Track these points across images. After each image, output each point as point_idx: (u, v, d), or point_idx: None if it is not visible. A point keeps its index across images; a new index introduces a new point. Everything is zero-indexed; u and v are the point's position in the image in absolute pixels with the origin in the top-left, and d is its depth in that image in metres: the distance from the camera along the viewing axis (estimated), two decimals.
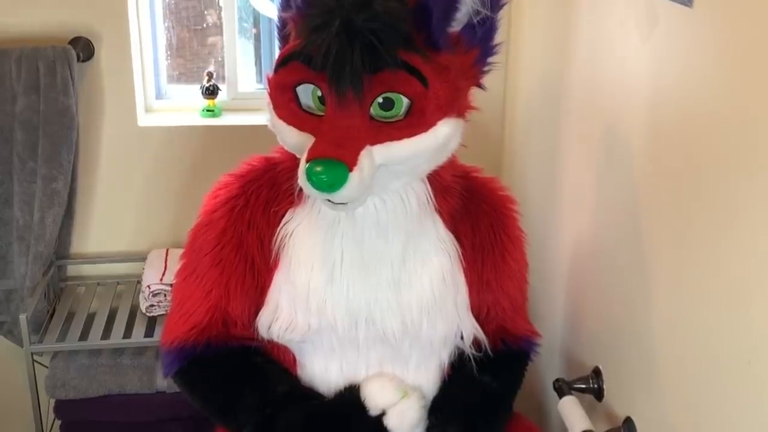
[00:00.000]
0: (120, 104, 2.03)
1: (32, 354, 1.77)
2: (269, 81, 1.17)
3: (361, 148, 1.10)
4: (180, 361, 1.30)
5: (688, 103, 1.06)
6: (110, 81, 2.01)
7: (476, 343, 1.37)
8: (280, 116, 1.17)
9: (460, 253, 1.32)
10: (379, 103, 1.10)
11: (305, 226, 1.26)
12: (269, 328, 1.28)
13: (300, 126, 1.15)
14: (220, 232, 1.29)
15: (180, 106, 2.20)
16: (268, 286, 1.28)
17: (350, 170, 1.07)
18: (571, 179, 1.56)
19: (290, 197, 1.27)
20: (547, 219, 1.67)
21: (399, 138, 1.12)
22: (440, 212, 1.29)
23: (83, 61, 1.94)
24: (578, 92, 1.52)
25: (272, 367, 1.32)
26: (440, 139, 1.15)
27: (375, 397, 1.25)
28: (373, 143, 1.11)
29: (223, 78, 2.23)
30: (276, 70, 1.15)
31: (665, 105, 1.13)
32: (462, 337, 1.35)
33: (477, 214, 1.36)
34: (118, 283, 2.08)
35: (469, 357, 1.36)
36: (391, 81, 1.08)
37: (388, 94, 1.09)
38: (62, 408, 1.87)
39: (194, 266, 1.31)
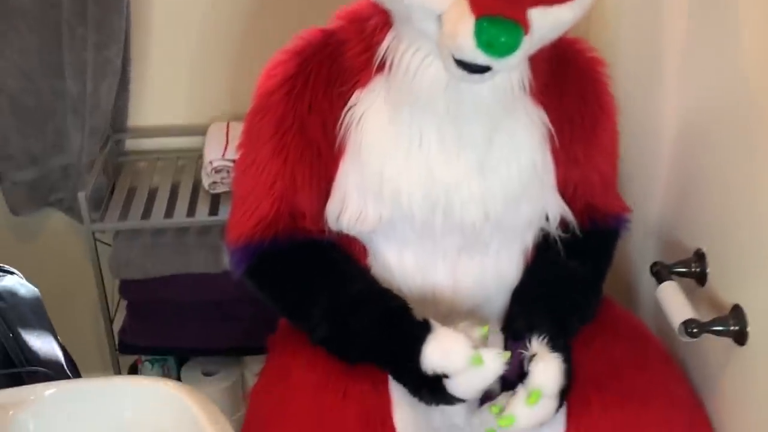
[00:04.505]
0: None
1: (93, 233, 1.78)
2: None
3: (527, 7, 1.02)
4: (247, 260, 1.28)
5: None
6: None
7: (563, 224, 1.32)
8: None
9: (551, 130, 1.25)
10: None
11: (376, 108, 1.19)
12: (337, 219, 1.24)
13: None
14: (279, 117, 1.23)
15: None
16: (335, 174, 1.24)
17: (525, 33, 1.00)
18: (677, 43, 1.44)
19: (355, 75, 1.20)
20: (644, 86, 1.56)
21: (561, 2, 1.04)
22: (531, 86, 1.21)
23: None
24: None
25: (345, 263, 1.29)
26: (586, 8, 1.08)
27: (435, 364, 1.17)
28: (533, 4, 1.03)
29: None
30: None
31: None
32: (548, 219, 1.30)
33: (564, 81, 1.29)
34: (179, 158, 2.05)
35: (555, 240, 1.32)
36: None
37: None
38: (127, 288, 1.89)
39: (254, 156, 1.26)
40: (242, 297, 1.83)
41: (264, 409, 1.28)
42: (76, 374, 1.24)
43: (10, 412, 0.97)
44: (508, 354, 1.18)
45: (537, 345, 1.22)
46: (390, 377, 1.24)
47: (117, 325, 1.95)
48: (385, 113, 1.19)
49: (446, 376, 1.17)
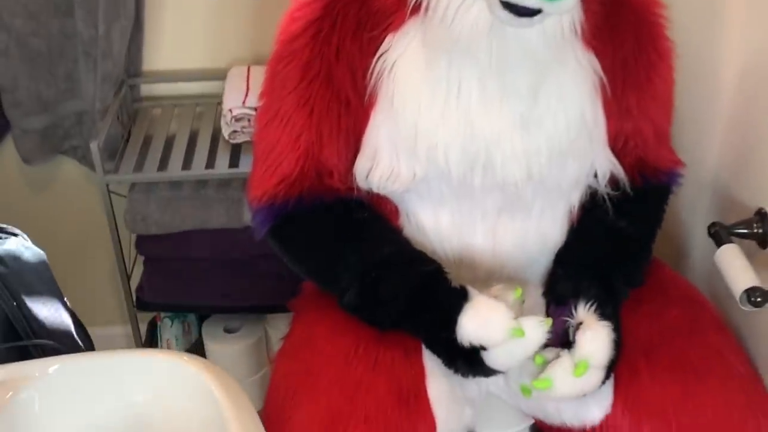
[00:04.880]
0: None
1: (108, 185, 1.70)
2: None
3: None
4: (271, 220, 1.22)
5: None
6: None
7: (612, 181, 1.25)
8: None
9: (603, 79, 1.17)
10: None
11: (411, 55, 1.11)
12: (367, 177, 1.17)
13: None
14: (304, 64, 1.15)
15: None
16: (365, 128, 1.18)
17: None
18: None
19: (388, 18, 1.12)
20: (702, 26, 1.44)
21: None
22: (582, 29, 1.12)
23: None
24: None
25: (376, 223, 1.23)
26: None
27: (471, 335, 1.11)
28: None
29: None
30: None
31: None
32: (596, 176, 1.22)
33: (618, 24, 1.20)
34: (197, 104, 1.96)
35: (603, 197, 1.24)
36: None
37: None
38: (144, 244, 1.82)
39: (277, 107, 1.19)
40: (265, 253, 1.76)
41: (290, 379, 1.22)
42: (87, 342, 1.17)
43: (9, 393, 0.91)
44: (549, 321, 1.11)
45: (584, 312, 1.16)
46: (423, 346, 1.19)
47: (134, 280, 1.88)
48: (420, 60, 1.11)
49: (484, 348, 1.10)
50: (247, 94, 1.78)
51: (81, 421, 0.97)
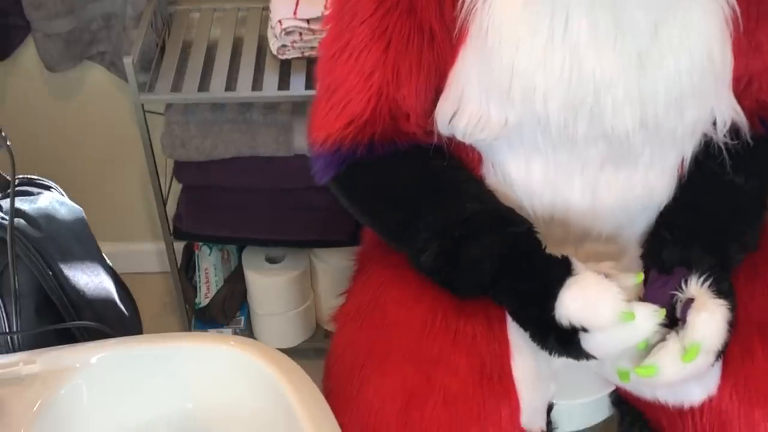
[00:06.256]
0: None
1: (143, 105, 1.55)
2: None
3: None
4: (336, 166, 1.13)
5: None
6: None
7: (732, 129, 1.13)
8: None
9: (737, 11, 1.04)
10: None
11: None
12: (450, 121, 1.07)
13: None
14: None
15: None
16: (450, 67, 1.06)
17: None
18: None
19: None
20: None
21: None
22: None
23: None
24: None
25: (457, 174, 1.13)
26: None
27: (573, 315, 1.00)
28: None
29: None
30: None
31: None
32: (714, 124, 1.10)
33: None
34: (239, 9, 1.80)
35: (719, 149, 1.12)
36: None
37: None
38: (183, 171, 1.69)
39: (347, 38, 1.08)
40: (315, 185, 1.65)
41: (357, 349, 1.13)
42: (131, 306, 1.05)
43: (54, 383, 0.82)
44: (663, 312, 1.01)
45: (696, 288, 1.04)
46: (508, 317, 1.09)
47: (169, 207, 1.77)
48: None
49: (585, 330, 0.99)
50: (298, 3, 1.61)
51: (130, 411, 0.87)
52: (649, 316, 0.99)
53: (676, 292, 1.04)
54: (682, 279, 1.04)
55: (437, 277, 1.11)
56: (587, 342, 1.00)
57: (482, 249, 1.06)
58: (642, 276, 1.04)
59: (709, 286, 1.03)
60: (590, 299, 0.99)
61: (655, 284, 1.07)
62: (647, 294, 1.05)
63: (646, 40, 1.01)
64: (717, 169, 1.14)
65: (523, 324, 1.06)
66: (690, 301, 1.03)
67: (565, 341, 1.02)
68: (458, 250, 1.07)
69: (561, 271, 1.02)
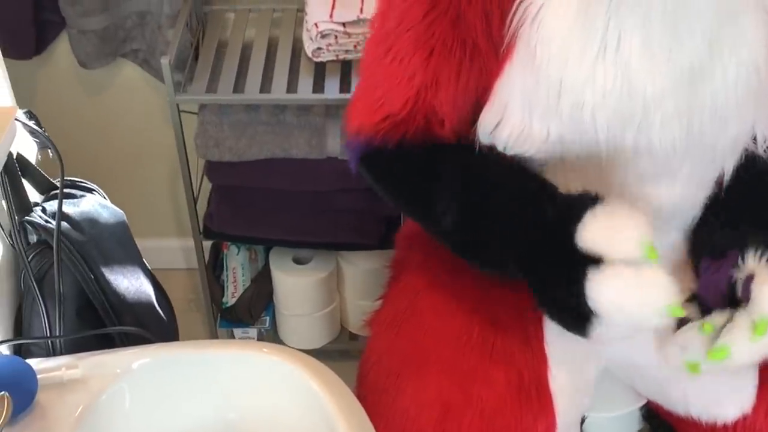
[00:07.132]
0: None
1: (178, 105, 1.55)
2: None
3: None
4: (367, 155, 1.12)
5: None
6: None
7: None
8: None
9: None
10: None
11: (560, 0, 0.96)
12: (492, 132, 1.05)
13: None
14: (429, 1, 1.01)
15: None
16: (494, 79, 1.04)
17: None
18: None
19: None
20: None
21: None
22: None
23: None
24: None
25: (494, 156, 1.07)
26: None
27: (592, 240, 0.95)
28: None
29: None
30: None
31: None
32: (755, 140, 1.08)
33: None
34: (274, 10, 1.79)
35: (761, 160, 1.09)
36: None
37: None
38: (215, 171, 1.68)
39: (392, 42, 1.07)
40: (346, 188, 1.65)
41: (393, 357, 1.13)
42: (168, 309, 1.05)
43: (96, 389, 0.81)
44: (710, 327, 0.98)
45: (755, 262, 1.02)
46: (545, 330, 1.08)
47: (198, 206, 1.76)
48: (571, 6, 0.97)
49: (601, 261, 0.94)
50: (334, 6, 1.60)
51: (170, 418, 0.87)
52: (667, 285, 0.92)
53: (734, 274, 1.02)
54: (739, 257, 1.02)
55: (459, 243, 1.08)
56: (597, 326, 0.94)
57: (503, 205, 1.04)
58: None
59: None
60: (615, 225, 0.95)
61: (708, 270, 1.06)
62: (702, 281, 1.04)
63: (700, 51, 0.98)
64: (763, 166, 1.10)
65: (542, 264, 1.00)
66: (750, 278, 1.01)
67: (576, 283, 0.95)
68: (480, 205, 1.05)
69: (588, 199, 0.98)
